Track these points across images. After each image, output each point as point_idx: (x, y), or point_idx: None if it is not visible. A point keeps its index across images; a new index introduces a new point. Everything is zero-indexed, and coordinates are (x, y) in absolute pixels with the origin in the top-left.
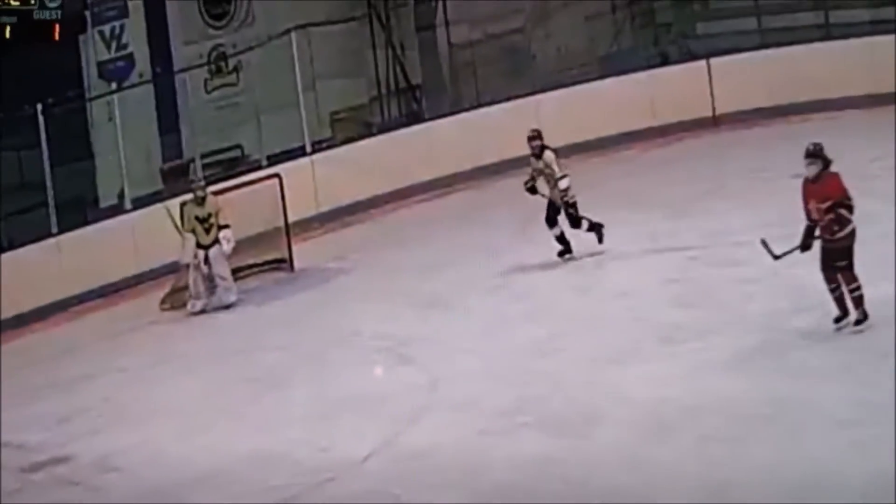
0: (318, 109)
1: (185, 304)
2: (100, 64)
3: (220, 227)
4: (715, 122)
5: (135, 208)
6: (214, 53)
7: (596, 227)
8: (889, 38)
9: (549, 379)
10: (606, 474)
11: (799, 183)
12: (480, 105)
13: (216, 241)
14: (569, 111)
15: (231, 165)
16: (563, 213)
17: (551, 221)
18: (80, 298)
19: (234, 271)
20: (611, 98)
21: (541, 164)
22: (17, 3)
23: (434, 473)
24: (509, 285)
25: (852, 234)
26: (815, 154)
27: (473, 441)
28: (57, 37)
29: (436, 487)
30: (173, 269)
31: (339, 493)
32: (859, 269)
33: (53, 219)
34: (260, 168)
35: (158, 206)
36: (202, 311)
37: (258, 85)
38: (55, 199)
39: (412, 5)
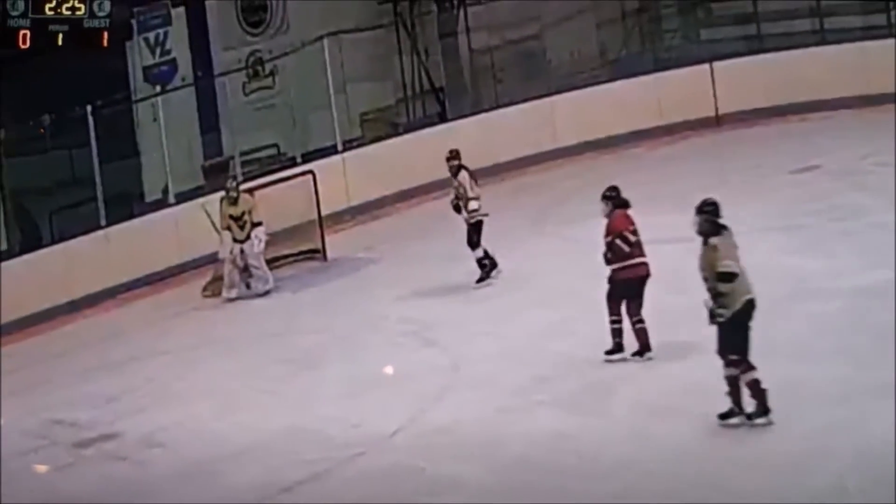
0: (348, 110)
1: (220, 292)
2: (145, 68)
3: (254, 225)
4: (717, 121)
5: (178, 202)
6: (252, 58)
7: (483, 266)
8: (880, 42)
9: (562, 359)
10: (617, 448)
11: (796, 178)
12: (499, 106)
13: (250, 235)
14: (582, 111)
15: (268, 162)
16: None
17: (478, 240)
18: (128, 286)
19: (271, 261)
20: (620, 99)
21: (456, 183)
22: (69, 13)
23: (456, 448)
24: (525, 273)
25: (633, 268)
26: (604, 196)
27: (492, 417)
28: (105, 43)
29: (458, 460)
30: (214, 258)
31: (368, 466)
32: (850, 257)
33: (102, 212)
34: (295, 165)
35: (200, 200)
36: (237, 298)
37: (293, 88)
38: (104, 193)
39: (436, 13)
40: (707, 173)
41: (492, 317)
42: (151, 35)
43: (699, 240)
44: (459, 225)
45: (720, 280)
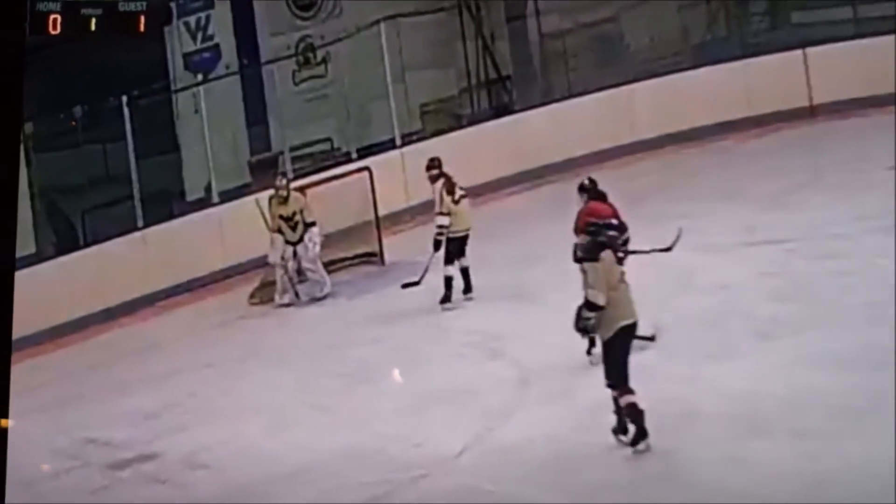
0: (407, 101)
1: (273, 299)
2: (185, 55)
3: (307, 225)
4: (811, 112)
5: (222, 201)
6: (302, 45)
7: (447, 282)
8: None
9: (644, 374)
10: (703, 471)
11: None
12: (572, 95)
13: (303, 237)
14: (663, 101)
15: (320, 158)
16: (463, 250)
17: (448, 257)
18: (167, 293)
19: (324, 265)
20: (705, 87)
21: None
22: None
23: (527, 469)
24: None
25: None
26: (581, 188)
27: (567, 436)
28: (142, 28)
29: (529, 483)
30: (262, 262)
31: (431, 488)
32: None
33: (139, 212)
34: (349, 161)
35: (247, 199)
36: (289, 304)
37: (347, 77)
38: (141, 192)
39: None
40: (800, 169)
41: (566, 326)
42: (192, 19)
43: (793, 241)
44: (530, 225)
45: (584, 306)
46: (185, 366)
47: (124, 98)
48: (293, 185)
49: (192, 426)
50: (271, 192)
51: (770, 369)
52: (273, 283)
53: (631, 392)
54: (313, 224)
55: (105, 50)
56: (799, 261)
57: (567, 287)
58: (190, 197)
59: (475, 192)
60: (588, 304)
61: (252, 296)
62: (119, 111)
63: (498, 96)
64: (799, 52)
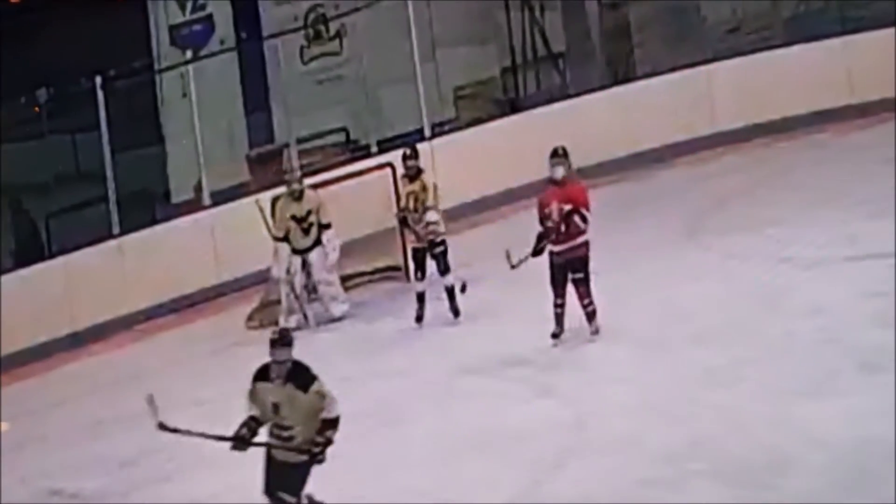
0: (438, 84)
1: (276, 322)
2: (172, 28)
3: (321, 227)
4: None
5: (215, 204)
6: (312, 15)
7: (450, 293)
8: None
9: (725, 415)
10: None
11: None
12: (638, 77)
13: (317, 242)
14: (747, 85)
15: (333, 152)
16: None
17: (422, 270)
18: (148, 314)
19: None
20: (798, 69)
21: (416, 188)
22: None
23: None
24: (674, 299)
25: (587, 245)
26: (565, 154)
27: (632, 492)
28: None
29: None
30: (262, 278)
31: None
32: None
33: (115, 217)
34: (369, 156)
35: (244, 201)
36: (297, 329)
37: (365, 54)
38: (117, 192)
39: None
40: None
41: (630, 357)
42: None
43: None
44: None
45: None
46: (169, 402)
47: (98, 79)
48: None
49: (177, 476)
50: (274, 193)
51: (876, 409)
52: (276, 302)
53: None
54: (329, 226)
55: (75, 21)
56: None
57: (631, 309)
58: (176, 198)
59: (520, 194)
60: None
61: (250, 318)
62: (92, 95)
63: (548, 78)
64: None
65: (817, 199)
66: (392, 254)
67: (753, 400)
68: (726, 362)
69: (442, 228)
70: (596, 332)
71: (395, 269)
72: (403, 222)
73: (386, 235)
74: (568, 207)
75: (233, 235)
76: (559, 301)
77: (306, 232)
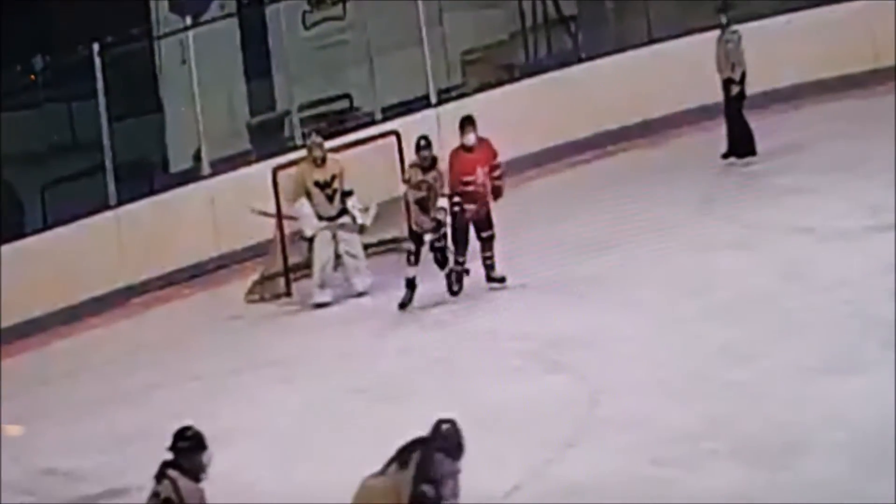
0: (445, 49)
1: (279, 295)
2: None
3: (344, 195)
4: None
5: (214, 173)
6: None
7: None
8: None
9: (743, 393)
10: None
11: None
12: (653, 41)
13: (343, 211)
14: (768, 49)
15: (336, 120)
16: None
17: (417, 256)
18: (145, 287)
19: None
20: (823, 32)
21: (430, 178)
22: None
23: None
24: (691, 271)
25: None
26: (473, 121)
27: (646, 472)
28: None
29: None
30: (263, 250)
31: None
32: None
33: (112, 187)
34: (373, 123)
35: (245, 171)
36: (328, 304)
37: (370, 18)
38: (114, 162)
39: None
40: None
41: (643, 332)
42: None
43: None
44: (597, 202)
45: None
46: (166, 379)
47: (95, 46)
48: (299, 154)
49: None
50: (275, 162)
51: None
52: (278, 275)
53: None
54: (351, 193)
55: None
56: None
57: (644, 282)
58: (175, 168)
59: (529, 162)
60: None
61: (251, 291)
62: (89, 62)
63: (559, 42)
64: None
65: (839, 167)
66: (397, 225)
67: (771, 377)
68: (743, 338)
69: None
70: (502, 280)
71: (401, 240)
72: (411, 206)
73: (391, 206)
74: (489, 168)
75: (233, 206)
76: (461, 259)
77: (330, 199)
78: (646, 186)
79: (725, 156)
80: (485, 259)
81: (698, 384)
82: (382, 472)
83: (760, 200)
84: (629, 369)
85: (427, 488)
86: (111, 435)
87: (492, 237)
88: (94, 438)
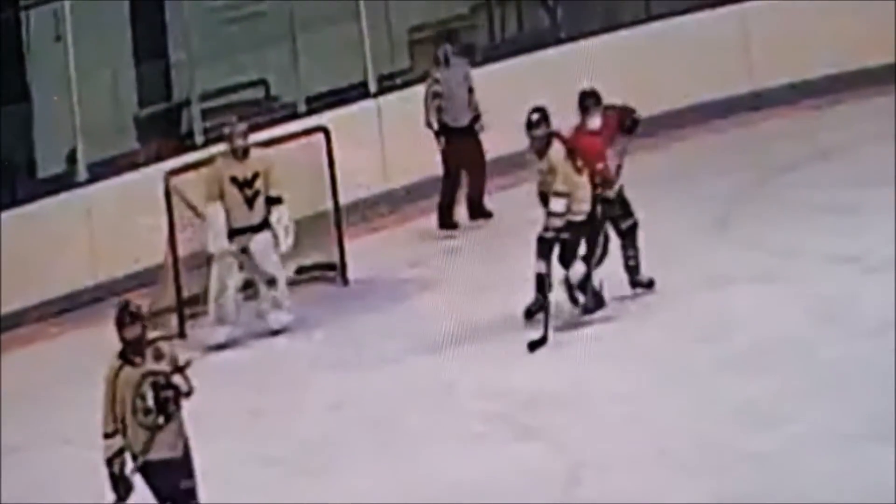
0: (389, 26)
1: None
2: None
3: (270, 202)
4: None
5: (93, 179)
6: None
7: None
8: None
9: (767, 466)
10: None
11: None
12: (651, 18)
13: (264, 223)
14: (794, 32)
15: (249, 112)
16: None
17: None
18: (4, 323)
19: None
20: (868, 10)
21: (544, 167)
22: None
23: None
24: (700, 311)
25: None
26: (598, 97)
27: None
28: None
29: None
30: (151, 278)
31: None
32: None
33: None
34: (295, 117)
35: (130, 176)
36: (222, 346)
37: None
38: None
39: None
40: None
41: (641, 388)
42: None
43: None
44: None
45: None
46: (26, 440)
47: None
48: (201, 153)
49: None
50: (170, 165)
51: None
52: (168, 309)
53: None
54: (279, 201)
55: None
56: None
57: (639, 324)
58: (43, 172)
59: (496, 170)
60: None
61: None
62: None
63: (533, 17)
64: None
65: (884, 179)
66: (324, 248)
67: (802, 446)
68: (767, 396)
69: (559, 223)
70: (651, 284)
71: (329, 267)
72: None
73: (317, 222)
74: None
75: (116, 221)
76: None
77: (250, 203)
78: (645, 202)
79: None
80: (627, 259)
81: (710, 456)
82: None
83: (789, 221)
84: (621, 437)
85: None
86: None
87: (635, 226)
88: None
